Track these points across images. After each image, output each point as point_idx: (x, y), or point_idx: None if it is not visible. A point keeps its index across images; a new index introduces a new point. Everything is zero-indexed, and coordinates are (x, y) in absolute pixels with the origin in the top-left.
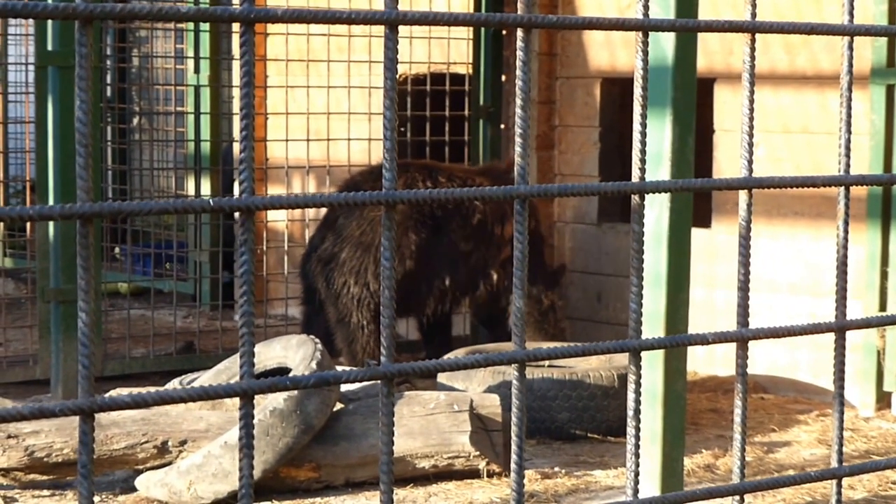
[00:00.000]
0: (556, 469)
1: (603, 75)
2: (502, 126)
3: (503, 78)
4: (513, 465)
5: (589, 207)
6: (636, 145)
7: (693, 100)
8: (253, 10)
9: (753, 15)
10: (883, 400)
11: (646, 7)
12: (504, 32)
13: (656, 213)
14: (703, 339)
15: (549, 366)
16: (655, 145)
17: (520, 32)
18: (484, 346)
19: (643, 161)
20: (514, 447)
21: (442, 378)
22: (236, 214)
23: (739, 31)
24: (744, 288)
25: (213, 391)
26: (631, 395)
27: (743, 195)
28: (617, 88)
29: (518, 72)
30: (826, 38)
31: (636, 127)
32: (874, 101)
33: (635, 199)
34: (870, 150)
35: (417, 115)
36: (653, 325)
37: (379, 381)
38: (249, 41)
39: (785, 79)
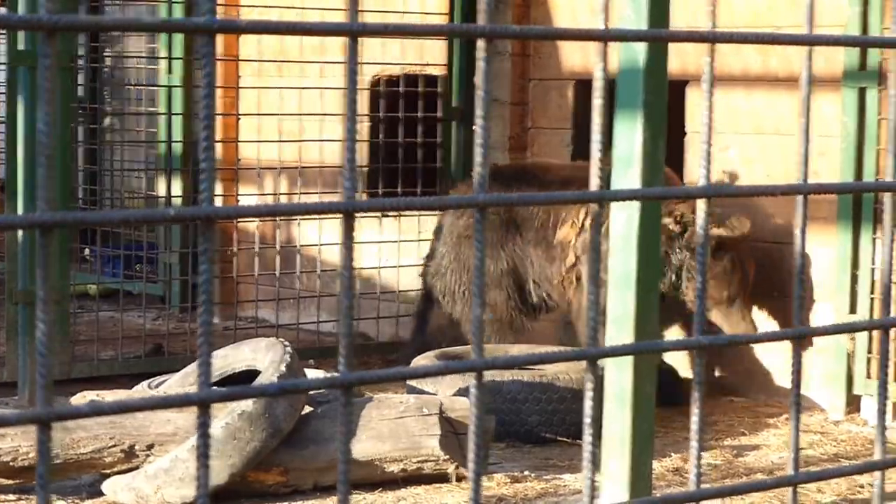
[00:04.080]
0: (526, 473)
1: (576, 77)
2: (475, 128)
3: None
4: (471, 475)
5: None
6: (594, 154)
7: (664, 103)
8: (216, 21)
9: (713, 25)
10: (853, 403)
11: (606, 17)
12: None
13: (626, 215)
14: (662, 347)
15: (519, 368)
16: (626, 148)
17: (480, 43)
18: (453, 350)
19: (603, 170)
20: (471, 455)
21: (412, 381)
22: None
23: (700, 41)
24: (701, 296)
25: (171, 400)
26: (587, 403)
27: (701, 204)
28: (590, 91)
29: (478, 81)
30: None
31: (594, 137)
32: (846, 104)
33: (593, 207)
34: (841, 152)
35: (390, 116)
36: (622, 327)
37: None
38: (210, 52)
39: (758, 80)
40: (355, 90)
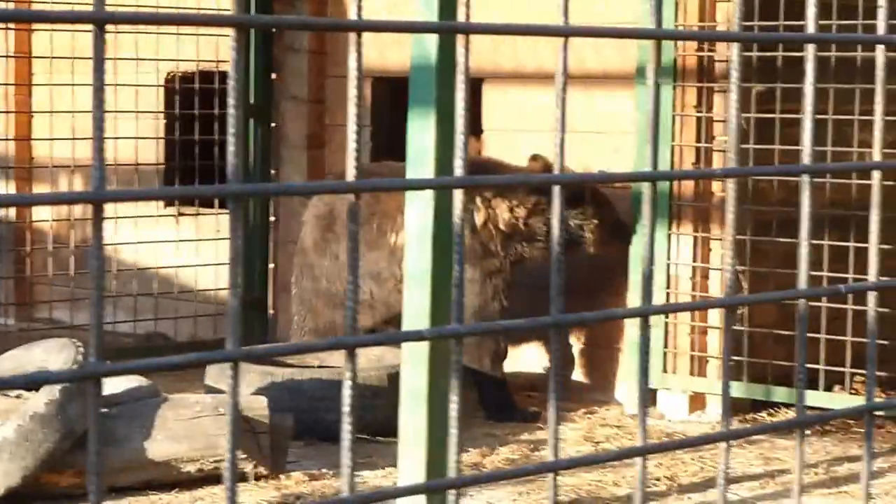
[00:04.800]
0: (324, 470)
1: (374, 74)
2: (273, 125)
3: (273, 76)
4: (226, 474)
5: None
6: (350, 145)
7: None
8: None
9: (467, 16)
10: (650, 397)
11: (359, 8)
12: (274, 30)
13: (420, 211)
14: (419, 336)
15: (319, 366)
16: (420, 144)
17: (233, 33)
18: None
19: (358, 160)
20: (227, 455)
21: (209, 380)
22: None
23: (452, 32)
24: (458, 285)
25: None
26: (346, 392)
27: (458, 193)
28: (388, 87)
29: (231, 72)
30: (593, 38)
31: (350, 127)
32: (640, 101)
33: (350, 198)
34: (636, 149)
35: (186, 113)
36: (418, 324)
37: (142, 384)
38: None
39: (553, 77)
40: (102, 79)
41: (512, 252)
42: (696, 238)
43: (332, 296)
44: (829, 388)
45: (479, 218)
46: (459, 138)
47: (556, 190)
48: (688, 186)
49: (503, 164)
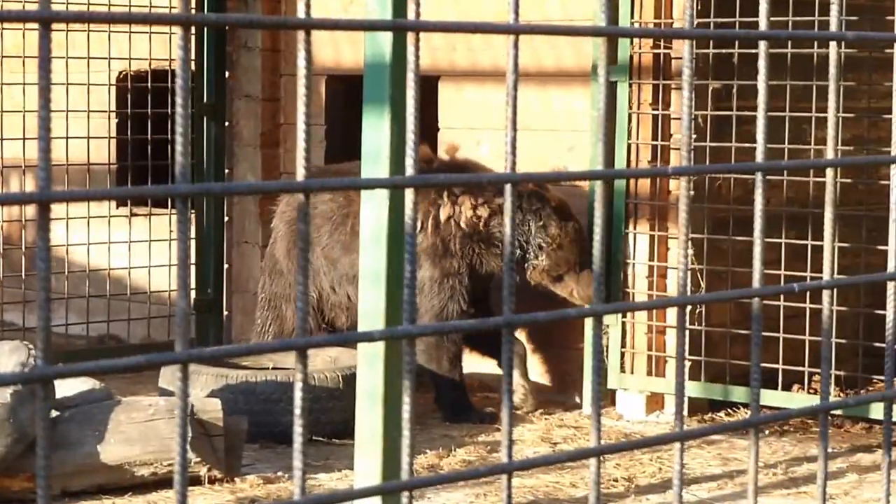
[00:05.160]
0: (280, 473)
1: (328, 72)
2: (227, 124)
3: (227, 75)
4: (176, 477)
5: None
6: (300, 145)
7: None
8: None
9: (417, 14)
10: (607, 398)
11: (307, 6)
12: (227, 28)
13: (375, 211)
14: (370, 337)
15: (273, 368)
16: (374, 143)
17: (179, 31)
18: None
19: (308, 159)
20: (177, 458)
21: (163, 382)
22: None
23: (401, 30)
24: (410, 286)
25: None
26: (297, 394)
27: (508, 188)
28: (342, 86)
29: (178, 70)
30: (548, 36)
31: (300, 126)
32: (595, 99)
33: (300, 197)
34: (591, 147)
35: (139, 112)
36: (373, 324)
37: (95, 387)
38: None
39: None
40: (48, 77)
41: (469, 253)
42: (652, 237)
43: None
44: (787, 388)
45: (443, 213)
46: (410, 137)
47: (508, 188)
48: (644, 185)
49: (479, 166)
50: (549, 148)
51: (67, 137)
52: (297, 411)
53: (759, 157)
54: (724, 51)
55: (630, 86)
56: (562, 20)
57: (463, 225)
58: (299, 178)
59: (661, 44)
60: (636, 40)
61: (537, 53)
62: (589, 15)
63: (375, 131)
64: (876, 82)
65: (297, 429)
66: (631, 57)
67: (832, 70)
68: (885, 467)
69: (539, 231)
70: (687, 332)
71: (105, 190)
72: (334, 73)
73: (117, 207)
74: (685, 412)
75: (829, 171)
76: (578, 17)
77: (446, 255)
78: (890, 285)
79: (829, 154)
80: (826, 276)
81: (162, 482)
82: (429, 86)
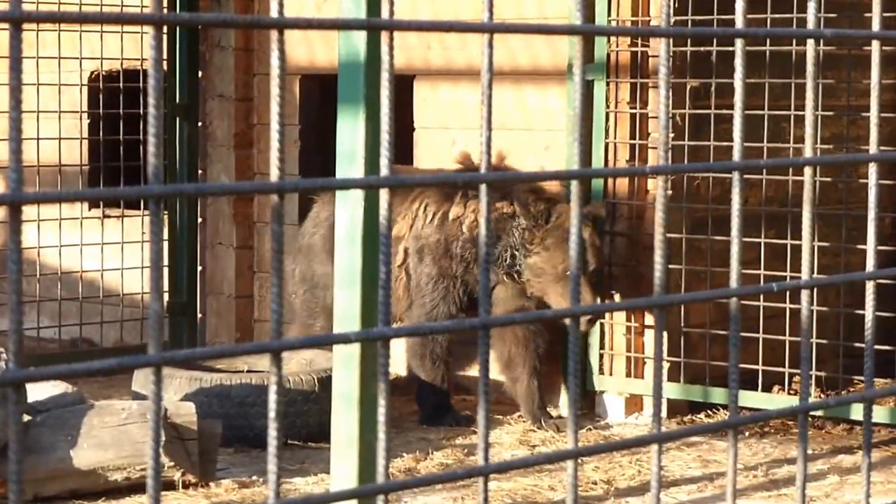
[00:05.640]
0: (255, 478)
1: (302, 72)
2: (200, 124)
3: (200, 74)
4: (149, 482)
5: (290, 207)
6: (273, 145)
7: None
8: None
9: (391, 13)
10: (587, 399)
11: (280, 5)
12: (199, 28)
13: (350, 211)
14: (345, 339)
15: (248, 371)
16: (349, 143)
17: (151, 30)
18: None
19: (281, 160)
20: (150, 463)
21: (136, 386)
22: None
23: (374, 29)
24: (384, 287)
25: None
26: (272, 397)
27: (483, 188)
28: (316, 85)
29: (150, 70)
30: (524, 34)
31: (274, 126)
32: (571, 97)
33: (274, 198)
34: (568, 147)
35: (110, 113)
36: (348, 327)
37: (67, 391)
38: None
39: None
40: (20, 78)
41: (468, 257)
42: (631, 237)
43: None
44: (768, 389)
45: (452, 212)
46: (384, 137)
47: (483, 189)
48: (623, 185)
49: (512, 170)
50: (524, 147)
51: (38, 139)
52: (272, 414)
53: (736, 156)
54: (702, 49)
55: (607, 84)
56: (538, 19)
57: (465, 229)
58: (273, 178)
59: (639, 42)
60: (613, 39)
61: (513, 52)
62: (565, 13)
63: (350, 131)
64: (855, 80)
65: (272, 432)
66: (608, 55)
67: (809, 67)
68: (864, 468)
69: (530, 242)
70: (664, 333)
71: (76, 191)
72: (308, 73)
73: (90, 209)
74: (663, 414)
75: (807, 170)
76: (554, 16)
77: (446, 255)
78: (868, 285)
79: (807, 152)
80: (805, 275)
81: (135, 487)
82: (404, 85)
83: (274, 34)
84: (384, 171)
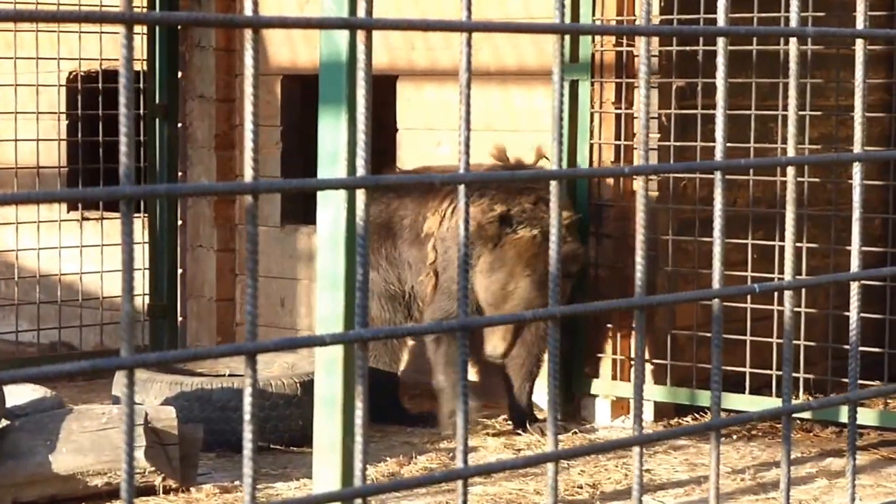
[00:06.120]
0: (236, 482)
1: (284, 72)
2: (180, 125)
3: (179, 75)
4: (123, 485)
5: (271, 209)
6: (248, 145)
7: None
8: None
9: (369, 11)
10: (572, 402)
11: (255, 4)
12: (179, 27)
13: (332, 213)
14: (321, 341)
15: (230, 375)
16: (331, 144)
17: (122, 30)
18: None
19: (255, 160)
20: (124, 465)
21: (116, 390)
22: None
23: (352, 28)
24: (363, 289)
25: None
26: (247, 399)
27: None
28: (298, 86)
29: (121, 70)
30: (510, 34)
31: (247, 126)
32: (554, 96)
33: (248, 199)
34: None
35: (90, 114)
36: (330, 329)
37: (46, 396)
38: None
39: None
40: None
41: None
42: (617, 239)
43: (392, 297)
44: (756, 392)
45: (475, 210)
46: (361, 137)
47: (462, 189)
48: (608, 186)
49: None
50: (511, 148)
51: (16, 140)
52: (247, 417)
53: (718, 155)
54: (688, 48)
55: (592, 84)
56: (524, 18)
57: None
58: (247, 179)
59: (624, 42)
60: (598, 38)
61: (499, 53)
62: (551, 13)
63: (332, 132)
64: (844, 79)
65: (247, 435)
66: (593, 55)
67: (793, 66)
68: (849, 469)
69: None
70: (643, 335)
71: (49, 192)
72: (290, 73)
73: (68, 211)
74: (647, 416)
75: (790, 170)
76: (540, 16)
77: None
78: (853, 286)
79: (790, 152)
80: (788, 276)
81: (115, 492)
82: (388, 85)
83: (248, 33)
84: (360, 171)
